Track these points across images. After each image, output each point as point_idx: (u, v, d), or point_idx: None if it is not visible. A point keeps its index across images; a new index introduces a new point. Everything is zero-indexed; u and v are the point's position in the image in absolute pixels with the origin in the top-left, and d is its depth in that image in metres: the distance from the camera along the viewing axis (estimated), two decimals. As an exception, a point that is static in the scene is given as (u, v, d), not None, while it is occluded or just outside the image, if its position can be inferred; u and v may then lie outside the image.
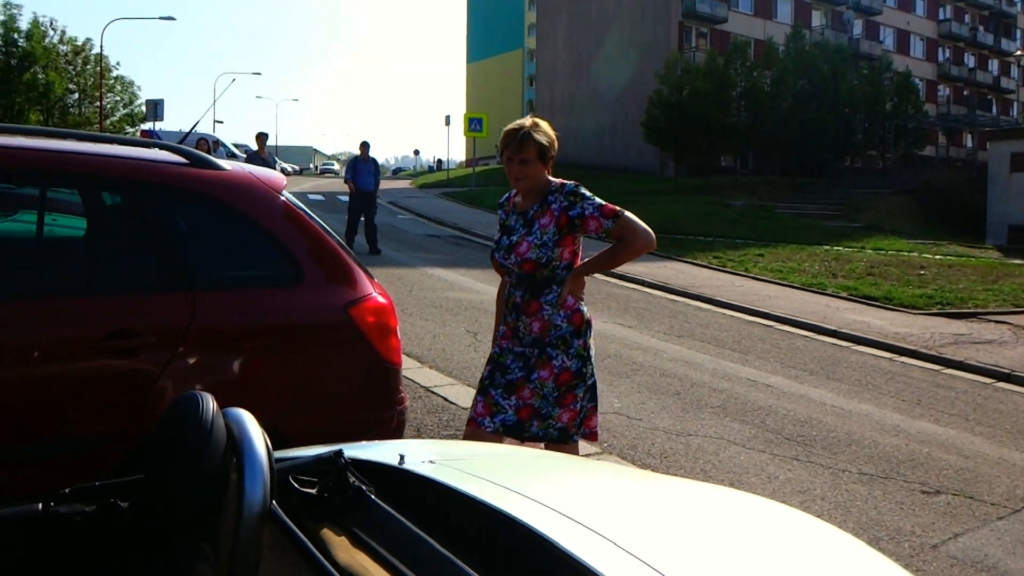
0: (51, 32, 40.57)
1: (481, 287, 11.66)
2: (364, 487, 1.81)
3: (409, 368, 6.98)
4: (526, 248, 3.33)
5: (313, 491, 1.83)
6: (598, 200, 3.36)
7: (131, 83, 43.72)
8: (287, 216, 3.39)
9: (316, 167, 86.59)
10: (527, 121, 3.38)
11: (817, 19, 53.02)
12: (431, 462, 2.03)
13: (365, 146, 15.79)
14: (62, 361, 3.00)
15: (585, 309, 3.43)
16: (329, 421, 3.37)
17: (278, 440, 3.24)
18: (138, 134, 36.99)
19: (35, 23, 39.41)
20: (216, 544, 1.47)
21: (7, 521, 1.80)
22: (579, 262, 3.45)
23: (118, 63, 58.32)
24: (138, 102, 42.69)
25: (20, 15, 38.92)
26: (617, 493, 2.03)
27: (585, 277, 3.46)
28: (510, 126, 3.36)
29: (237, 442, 1.56)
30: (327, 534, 1.77)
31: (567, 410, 3.37)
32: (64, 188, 3.49)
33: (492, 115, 36.78)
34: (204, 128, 46.01)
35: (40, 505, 1.82)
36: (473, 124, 30.93)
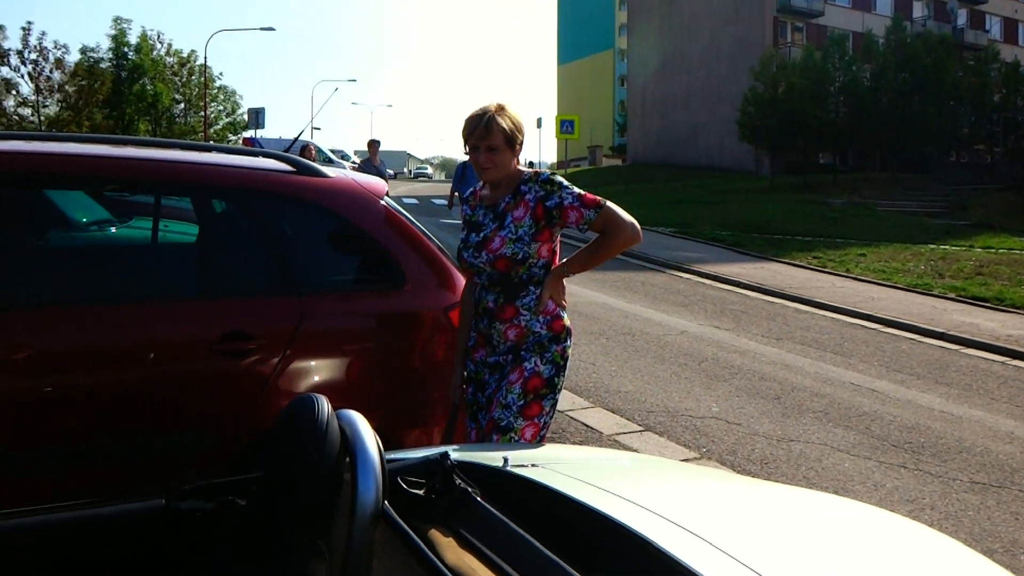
0: (158, 45, 42.26)
1: (571, 287, 11.63)
2: (470, 489, 1.83)
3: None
4: (499, 243, 3.00)
5: (420, 492, 1.87)
6: (577, 189, 3.06)
7: (233, 92, 45.25)
8: (388, 221, 3.46)
9: (410, 171, 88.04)
10: (491, 105, 3.04)
11: (918, 10, 51.23)
12: (534, 465, 2.04)
13: None
14: (177, 362, 3.12)
15: (566, 316, 3.12)
16: (430, 423, 3.42)
17: (382, 442, 3.31)
18: (240, 142, 38.19)
19: (143, 37, 41.14)
20: (330, 543, 1.51)
21: (133, 516, 1.89)
22: (557, 262, 3.12)
23: (221, 73, 60.46)
24: (240, 111, 44.11)
25: (130, 29, 40.66)
26: (721, 498, 2.00)
27: (565, 280, 3.13)
28: (473, 112, 3.03)
29: (350, 443, 1.60)
30: (435, 535, 1.80)
31: (531, 424, 2.97)
32: (177, 196, 3.64)
33: (584, 116, 36.78)
34: (304, 136, 47.05)
35: (163, 500, 1.91)
36: (565, 126, 30.90)
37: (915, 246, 19.08)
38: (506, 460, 2.00)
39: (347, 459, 1.59)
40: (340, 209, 3.36)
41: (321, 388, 3.16)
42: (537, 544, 1.49)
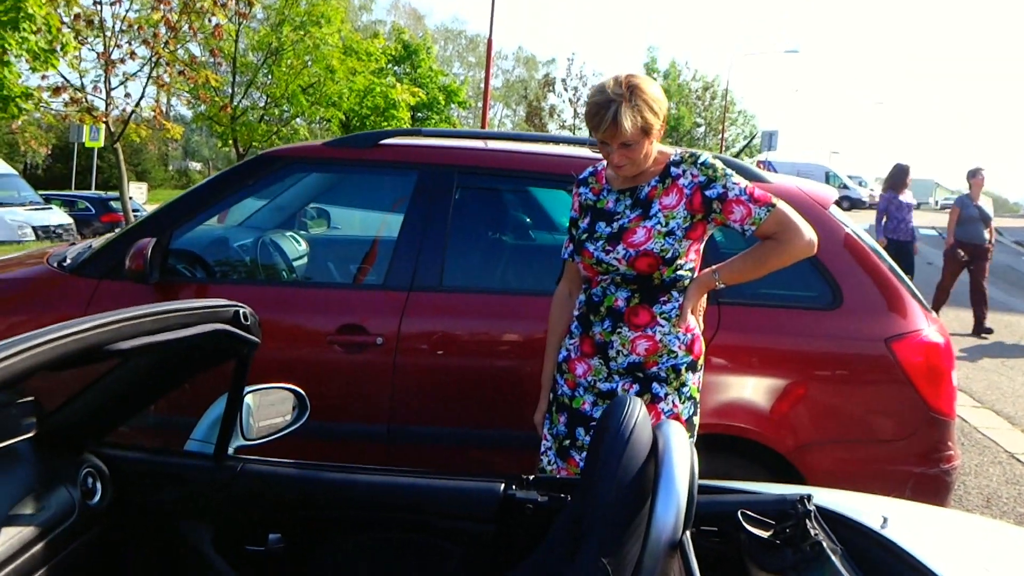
0: (685, 70, 44.42)
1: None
2: (826, 544, 1.52)
3: (994, 427, 6.02)
4: (645, 236, 2.34)
5: (765, 534, 1.59)
6: (743, 180, 2.40)
7: (752, 116, 45.91)
8: (831, 233, 3.09)
9: (936, 202, 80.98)
10: (617, 84, 2.29)
11: None
12: (923, 532, 1.63)
13: None
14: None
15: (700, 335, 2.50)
16: (849, 464, 2.99)
17: (790, 474, 2.99)
18: (755, 165, 38.50)
19: (672, 64, 43.57)
20: (617, 566, 1.33)
21: (470, 493, 1.89)
22: (699, 269, 2.48)
23: (741, 97, 61.86)
24: (756, 134, 44.60)
25: (659, 56, 43.43)
26: None
27: (716, 286, 2.46)
28: (593, 96, 2.33)
29: (659, 457, 1.40)
30: (770, 587, 1.52)
31: None
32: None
33: None
34: (818, 160, 46.24)
35: (502, 486, 1.88)
36: None
37: None
38: (885, 520, 1.63)
39: (653, 475, 1.39)
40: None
41: (729, 404, 2.93)
42: None
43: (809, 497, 1.60)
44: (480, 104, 25.34)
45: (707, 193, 2.37)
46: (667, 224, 2.36)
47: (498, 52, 58.93)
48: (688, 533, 1.33)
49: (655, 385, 2.39)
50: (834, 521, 1.63)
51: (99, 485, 1.76)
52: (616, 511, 1.36)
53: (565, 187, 3.59)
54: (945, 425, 3.01)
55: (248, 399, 2.02)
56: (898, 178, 9.88)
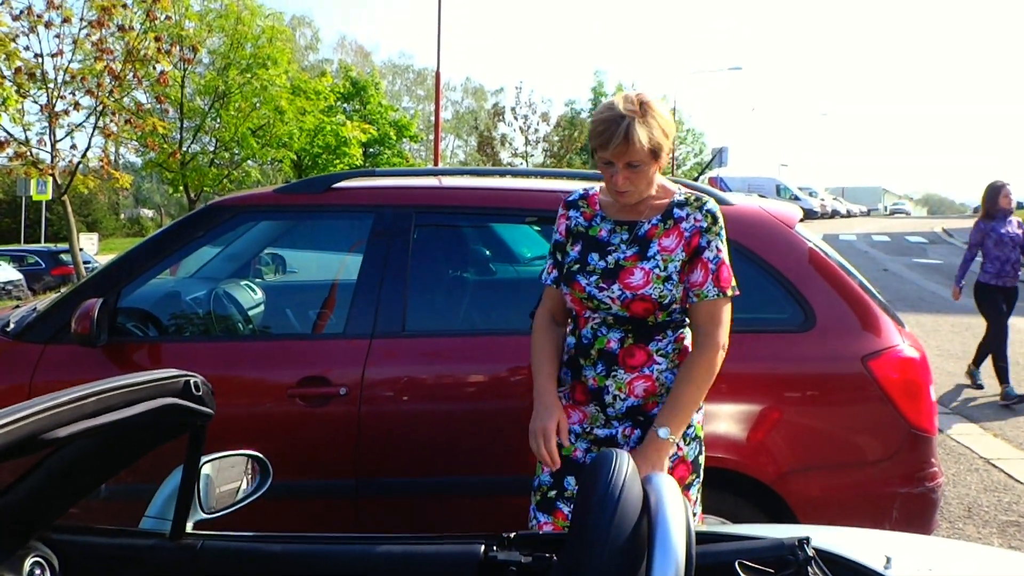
0: (631, 91, 45.04)
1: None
2: (830, 593, 1.43)
3: (967, 434, 6.01)
4: (643, 279, 2.20)
5: (765, 584, 1.50)
6: (724, 249, 2.28)
7: (700, 134, 46.52)
8: (799, 253, 3.04)
9: (886, 208, 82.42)
10: (628, 102, 2.15)
11: None
12: (929, 570, 1.55)
13: None
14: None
15: None
16: (834, 489, 2.92)
17: (773, 503, 2.90)
18: (706, 182, 38.99)
19: (619, 87, 43.96)
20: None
21: (449, 558, 1.77)
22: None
23: (689, 116, 62.89)
24: (706, 151, 45.19)
25: (607, 79, 43.78)
26: None
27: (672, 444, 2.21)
28: (602, 112, 2.16)
29: (652, 515, 1.30)
30: (773, 642, 1.43)
31: None
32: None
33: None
34: (768, 173, 46.97)
35: (482, 548, 1.77)
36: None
37: None
38: (888, 560, 1.54)
39: (647, 533, 1.30)
40: (742, 239, 3.00)
41: (710, 437, 2.85)
42: None
43: (808, 540, 1.52)
44: (431, 137, 25.35)
45: (700, 240, 2.25)
46: (665, 268, 2.21)
47: (446, 84, 59.11)
48: None
49: (659, 429, 2.22)
50: (835, 564, 1.54)
51: (47, 575, 1.62)
52: (609, 574, 1.26)
53: (526, 221, 3.53)
54: (927, 442, 2.96)
55: (206, 468, 1.90)
56: (992, 200, 7.21)
